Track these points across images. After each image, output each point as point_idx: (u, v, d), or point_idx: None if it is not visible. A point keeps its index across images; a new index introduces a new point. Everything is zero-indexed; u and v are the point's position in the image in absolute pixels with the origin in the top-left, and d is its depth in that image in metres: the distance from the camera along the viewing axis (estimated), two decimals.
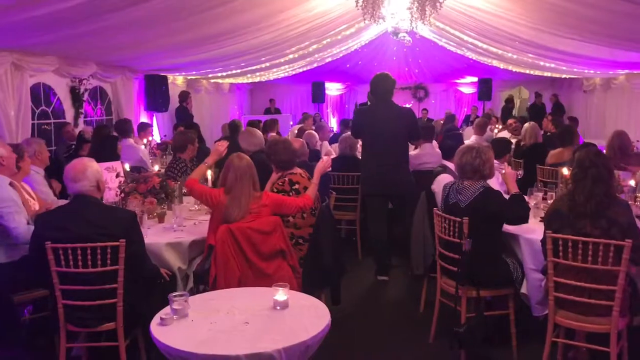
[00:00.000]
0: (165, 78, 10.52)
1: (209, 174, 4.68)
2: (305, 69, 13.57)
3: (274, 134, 9.00)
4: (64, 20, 4.99)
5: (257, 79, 14.21)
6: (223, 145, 4.47)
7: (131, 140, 7.46)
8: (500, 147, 5.14)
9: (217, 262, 3.50)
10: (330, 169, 4.49)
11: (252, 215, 3.69)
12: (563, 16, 6.44)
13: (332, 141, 9.00)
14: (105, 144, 6.33)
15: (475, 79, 16.62)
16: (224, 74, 11.81)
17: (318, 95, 17.14)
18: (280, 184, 4.33)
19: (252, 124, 8.91)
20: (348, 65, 15.03)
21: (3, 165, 4.02)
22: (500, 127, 10.87)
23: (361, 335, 4.33)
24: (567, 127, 6.72)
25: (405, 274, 5.58)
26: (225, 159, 3.99)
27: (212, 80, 13.26)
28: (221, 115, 13.88)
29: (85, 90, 8.23)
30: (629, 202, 3.85)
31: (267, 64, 11.12)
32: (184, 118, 10.53)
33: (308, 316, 2.64)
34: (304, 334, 2.44)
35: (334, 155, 7.16)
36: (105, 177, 3.75)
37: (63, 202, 4.55)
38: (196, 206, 4.76)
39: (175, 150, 5.76)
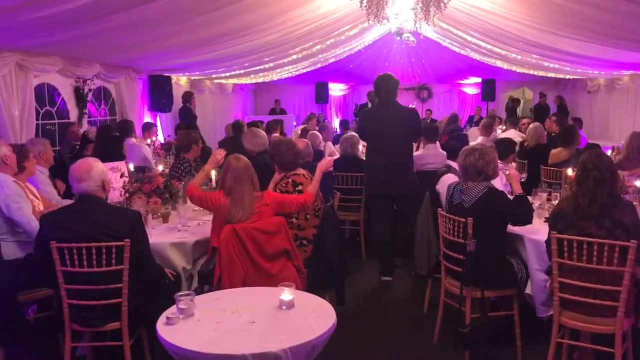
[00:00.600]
0: (169, 78, 10.54)
1: (213, 173, 4.68)
2: (308, 69, 13.58)
3: (277, 134, 9.01)
4: (68, 21, 5.00)
5: (260, 80, 14.22)
6: (221, 154, 4.45)
7: (133, 140, 7.47)
8: (504, 148, 5.12)
9: (221, 262, 3.50)
10: (332, 168, 4.49)
11: (256, 215, 3.69)
12: (567, 17, 6.43)
13: (333, 142, 9.00)
14: (110, 144, 6.33)
15: (479, 80, 16.61)
16: (228, 74, 11.83)
17: (322, 95, 17.14)
18: (283, 185, 4.33)
19: (253, 124, 8.92)
20: (352, 66, 15.04)
21: (6, 164, 4.04)
22: (504, 127, 10.85)
23: (365, 336, 4.33)
24: (568, 127, 6.70)
25: (409, 275, 5.58)
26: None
27: (216, 81, 13.28)
28: (225, 116, 13.90)
29: (90, 90, 8.25)
30: (634, 203, 3.84)
31: (271, 65, 11.13)
32: (187, 118, 10.55)
33: (314, 316, 2.64)
34: (310, 334, 2.44)
35: (337, 156, 7.17)
36: (110, 177, 3.75)
37: (68, 202, 4.56)
38: None
39: (180, 150, 5.77)
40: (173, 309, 2.67)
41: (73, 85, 8.00)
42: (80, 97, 8.11)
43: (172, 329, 2.53)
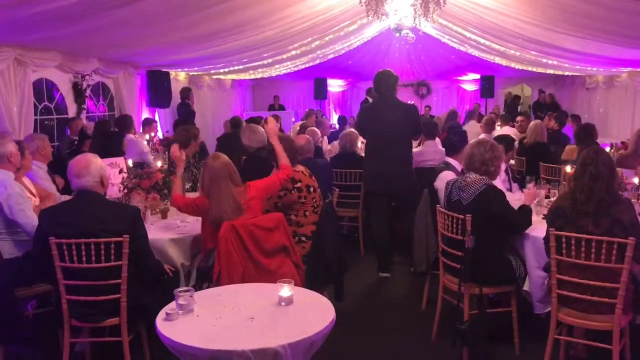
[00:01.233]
0: (167, 74, 10.52)
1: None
2: (307, 65, 13.56)
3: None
4: (67, 16, 4.99)
5: (259, 76, 14.20)
6: (176, 151, 4.41)
7: (131, 135, 7.46)
8: (503, 144, 5.12)
9: (220, 258, 3.50)
10: (277, 129, 4.48)
11: (247, 211, 3.71)
12: (566, 13, 6.43)
13: (332, 138, 9.01)
14: (110, 140, 6.32)
15: (477, 76, 16.61)
16: (227, 70, 11.81)
17: (320, 91, 17.13)
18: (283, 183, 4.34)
19: (253, 120, 8.90)
20: (350, 62, 15.02)
21: (10, 162, 4.02)
22: (499, 123, 10.85)
23: (363, 332, 4.34)
24: (585, 125, 6.65)
25: (408, 271, 5.59)
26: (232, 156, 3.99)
27: (215, 77, 13.26)
28: (223, 112, 13.88)
29: (88, 85, 8.22)
30: (632, 200, 3.85)
31: (270, 60, 11.11)
32: (185, 114, 10.53)
33: (313, 312, 2.65)
34: (308, 330, 2.44)
35: (333, 154, 7.17)
36: (108, 173, 3.75)
37: (66, 197, 4.56)
38: None
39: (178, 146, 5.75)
40: (172, 304, 2.68)
41: (71, 80, 7.97)
42: (78, 92, 8.08)
43: (171, 325, 2.53)
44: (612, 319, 3.21)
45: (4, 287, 3.59)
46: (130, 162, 5.74)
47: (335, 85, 17.97)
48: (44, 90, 7.53)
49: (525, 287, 3.87)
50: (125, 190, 4.58)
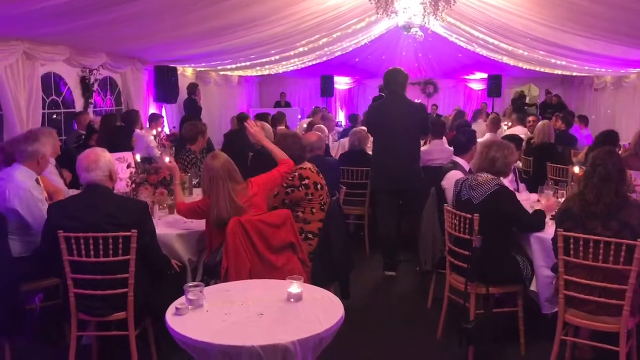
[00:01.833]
0: (174, 69, 10.53)
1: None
2: (314, 62, 13.55)
3: (282, 127, 9.00)
4: (76, 11, 5.00)
5: (266, 72, 14.20)
6: (165, 162, 4.40)
7: (137, 130, 7.47)
8: (514, 142, 5.13)
9: (228, 254, 3.51)
10: (258, 129, 4.51)
11: (250, 208, 3.71)
12: (576, 13, 6.41)
13: (341, 136, 9.00)
14: (118, 135, 6.33)
15: (484, 75, 16.56)
16: (233, 66, 11.82)
17: (327, 89, 17.10)
18: (290, 179, 4.33)
19: (260, 117, 8.90)
20: (357, 60, 15.00)
21: (39, 163, 4.00)
22: (509, 123, 10.83)
23: (369, 330, 4.34)
24: (606, 131, 6.58)
25: (413, 270, 5.58)
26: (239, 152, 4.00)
27: (222, 73, 13.27)
28: (230, 108, 13.89)
29: (95, 80, 8.25)
30: None
31: (277, 57, 11.11)
32: (192, 110, 10.54)
33: (322, 309, 2.65)
34: (318, 327, 2.45)
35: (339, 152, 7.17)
36: (116, 168, 3.75)
37: (74, 191, 4.58)
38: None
39: (186, 142, 5.77)
40: (182, 299, 2.68)
41: (79, 74, 8.00)
42: (86, 86, 8.11)
43: (181, 320, 2.54)
44: (619, 321, 3.20)
45: (12, 285, 3.61)
46: (138, 157, 5.75)
47: (342, 83, 17.94)
48: (51, 84, 7.55)
49: (532, 288, 3.87)
50: (133, 185, 4.59)
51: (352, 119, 11.03)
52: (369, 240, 6.28)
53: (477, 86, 17.50)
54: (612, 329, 3.25)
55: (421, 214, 4.83)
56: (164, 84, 10.33)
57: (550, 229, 3.75)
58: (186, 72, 11.50)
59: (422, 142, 6.67)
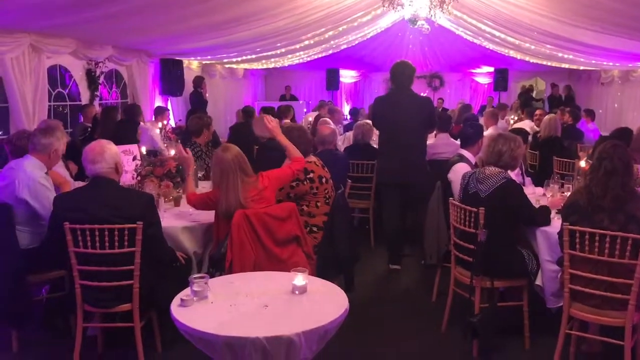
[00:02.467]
0: (180, 62, 10.54)
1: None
2: (320, 55, 13.52)
3: (288, 120, 8.99)
4: (82, 3, 5.00)
5: (271, 65, 14.19)
6: (182, 152, 4.38)
7: (142, 123, 7.48)
8: (521, 136, 5.11)
9: (233, 246, 3.51)
10: (275, 124, 4.43)
11: (259, 202, 3.71)
12: (584, 7, 6.36)
13: (345, 129, 8.98)
14: (124, 127, 6.34)
15: (491, 69, 16.49)
16: (239, 59, 11.81)
17: (332, 82, 17.07)
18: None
19: (266, 110, 8.90)
20: (363, 53, 14.95)
21: (50, 157, 4.00)
22: (516, 117, 10.80)
23: (373, 324, 4.34)
24: (620, 129, 6.53)
25: (418, 264, 5.57)
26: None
27: (227, 66, 13.26)
28: (235, 101, 13.89)
29: (101, 73, 8.27)
30: None
31: (283, 50, 11.10)
32: (198, 103, 10.55)
33: (326, 301, 2.66)
34: (322, 319, 2.45)
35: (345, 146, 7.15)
36: (122, 160, 3.76)
37: (80, 183, 4.59)
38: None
39: (191, 135, 5.78)
40: (187, 291, 2.69)
41: (85, 67, 8.02)
42: (92, 79, 8.13)
43: (186, 311, 2.54)
44: (624, 315, 3.19)
45: (18, 276, 3.63)
46: (143, 150, 5.76)
47: (347, 76, 17.90)
48: (57, 76, 7.57)
49: (538, 282, 3.86)
50: (139, 178, 4.60)
51: (354, 112, 11.02)
52: (374, 234, 6.28)
53: (483, 80, 17.43)
54: (617, 323, 3.24)
55: (426, 208, 4.82)
56: (170, 76, 10.34)
57: (556, 223, 3.73)
58: (192, 65, 11.50)
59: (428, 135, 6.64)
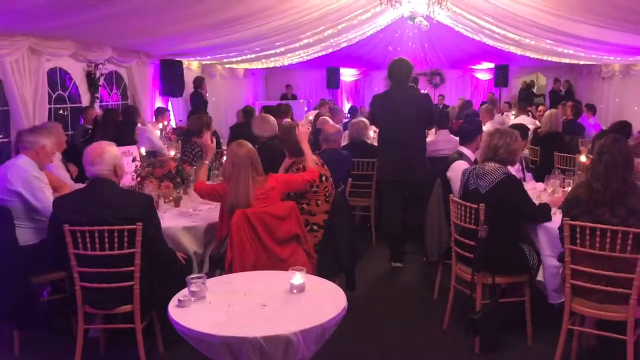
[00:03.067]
0: (180, 63, 10.53)
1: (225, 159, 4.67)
2: (320, 54, 13.50)
3: (288, 119, 8.98)
4: (82, 5, 5.01)
5: (271, 65, 14.18)
6: (208, 140, 4.40)
7: (138, 124, 7.48)
8: (521, 131, 5.09)
9: (232, 246, 3.51)
10: (308, 133, 4.44)
11: (264, 201, 3.70)
12: (583, 1, 6.34)
13: (344, 128, 8.97)
14: (121, 128, 6.35)
15: (491, 65, 16.44)
16: (239, 58, 11.80)
17: (333, 80, 17.05)
18: (294, 170, 4.33)
19: (267, 109, 8.90)
20: (363, 51, 14.93)
21: (38, 154, 4.01)
22: (515, 112, 10.78)
23: (375, 321, 4.34)
24: (620, 122, 6.51)
25: (420, 261, 5.57)
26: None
27: (227, 66, 13.26)
28: (236, 101, 13.88)
29: (101, 74, 8.27)
30: None
31: (282, 49, 11.08)
32: (198, 104, 10.55)
33: (324, 300, 2.65)
34: (320, 317, 2.44)
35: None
36: (122, 162, 3.76)
37: (80, 185, 4.60)
38: None
39: (191, 135, 5.78)
40: (185, 291, 2.69)
41: (85, 69, 8.02)
42: (92, 81, 8.13)
43: (183, 311, 2.54)
44: (626, 310, 3.18)
45: (19, 274, 3.64)
46: (143, 151, 5.76)
47: (347, 75, 17.89)
48: (57, 79, 7.58)
49: (539, 277, 3.84)
50: (138, 179, 4.60)
51: (352, 111, 11.00)
52: (375, 232, 6.27)
53: (484, 76, 17.39)
54: (619, 317, 3.23)
55: (427, 205, 4.81)
56: (170, 77, 10.34)
57: (557, 218, 3.72)
58: (192, 66, 11.50)
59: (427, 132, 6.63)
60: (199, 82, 10.99)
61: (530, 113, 10.20)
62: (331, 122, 7.68)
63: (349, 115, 12.26)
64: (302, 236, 3.81)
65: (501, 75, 16.02)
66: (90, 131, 7.21)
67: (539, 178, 5.30)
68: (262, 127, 5.55)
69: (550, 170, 4.97)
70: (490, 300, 3.77)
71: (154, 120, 9.03)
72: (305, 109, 14.14)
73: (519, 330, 3.91)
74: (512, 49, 12.44)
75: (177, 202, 4.50)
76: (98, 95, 8.33)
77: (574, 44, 9.69)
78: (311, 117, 9.08)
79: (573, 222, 3.25)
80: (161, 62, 10.18)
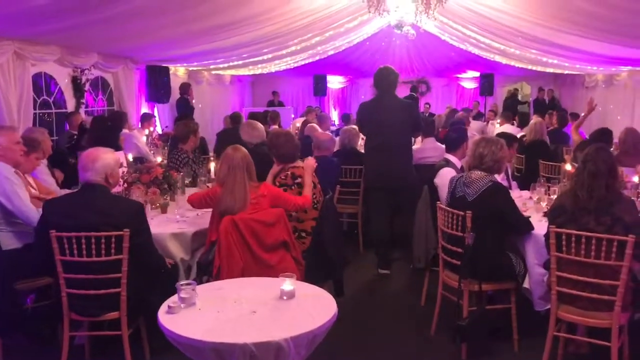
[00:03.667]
0: (166, 69, 10.50)
1: (212, 165, 4.67)
2: (307, 61, 13.53)
3: (276, 126, 9.00)
4: (67, 10, 4.98)
5: (258, 71, 14.18)
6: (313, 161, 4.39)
7: (125, 130, 7.45)
8: (507, 140, 5.14)
9: (220, 253, 3.51)
10: (315, 165, 4.47)
11: (253, 206, 3.70)
12: (567, 12, 6.43)
13: (334, 135, 9.00)
14: (105, 135, 6.30)
15: (477, 74, 16.60)
16: (226, 65, 11.79)
17: (320, 88, 17.09)
18: (282, 177, 4.34)
19: (254, 116, 8.90)
20: (350, 59, 14.99)
21: (4, 156, 3.95)
22: (500, 120, 10.89)
23: (363, 328, 4.34)
24: (600, 129, 6.59)
25: (407, 268, 5.60)
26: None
27: (214, 72, 13.24)
28: (222, 107, 13.86)
29: (87, 80, 8.21)
30: (633, 199, 3.86)
31: (270, 56, 11.09)
32: (184, 110, 10.51)
33: (314, 306, 2.65)
34: (311, 324, 2.44)
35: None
36: (117, 171, 3.72)
37: (66, 191, 4.56)
38: None
39: (178, 141, 5.76)
40: (174, 297, 2.68)
41: (70, 74, 7.96)
42: (77, 86, 8.07)
43: (173, 318, 2.53)
44: (611, 317, 3.21)
45: (3, 279, 3.59)
46: (130, 157, 5.73)
47: (335, 82, 17.93)
48: (42, 84, 7.51)
49: (526, 285, 3.88)
50: (125, 185, 4.57)
51: (345, 118, 11.05)
52: (362, 239, 6.29)
53: (469, 85, 17.54)
54: (604, 324, 3.26)
55: (414, 212, 4.84)
56: (156, 83, 10.30)
57: (542, 226, 3.76)
58: (178, 72, 11.47)
59: (413, 140, 6.68)
60: (185, 88, 10.95)
61: (514, 122, 10.29)
62: (319, 129, 7.72)
63: (335, 123, 12.31)
64: (290, 243, 3.81)
65: (486, 84, 16.18)
66: (75, 137, 7.17)
67: (524, 186, 5.36)
68: (250, 133, 5.56)
69: (536, 179, 5.03)
70: (477, 307, 3.79)
71: (139, 126, 8.98)
72: (292, 115, 14.14)
73: (506, 337, 3.93)
74: (498, 58, 12.57)
75: (164, 209, 4.48)
76: (84, 100, 8.27)
77: (558, 54, 9.82)
78: (298, 124, 9.10)
79: (559, 230, 3.28)
80: (147, 68, 10.14)
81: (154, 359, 3.68)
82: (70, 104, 8.03)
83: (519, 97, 16.74)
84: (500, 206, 3.80)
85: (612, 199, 3.28)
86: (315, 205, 4.33)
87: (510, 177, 5.39)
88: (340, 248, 4.39)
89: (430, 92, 17.71)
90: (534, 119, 7.61)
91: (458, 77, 17.54)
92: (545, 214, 3.89)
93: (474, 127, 8.89)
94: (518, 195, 4.82)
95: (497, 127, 9.84)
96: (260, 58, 11.17)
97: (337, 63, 15.29)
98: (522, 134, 8.00)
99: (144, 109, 10.20)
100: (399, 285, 5.35)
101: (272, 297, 2.74)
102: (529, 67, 12.85)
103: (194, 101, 11.27)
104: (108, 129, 6.63)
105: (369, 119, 5.58)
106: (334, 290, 4.18)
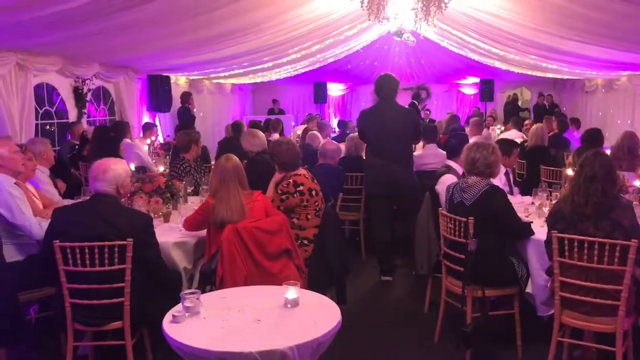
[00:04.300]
0: (168, 78, 10.54)
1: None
2: (307, 69, 13.58)
3: (277, 134, 9.02)
4: (68, 21, 5.00)
5: (259, 80, 14.23)
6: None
7: (127, 140, 7.47)
8: (507, 146, 5.16)
9: (223, 261, 3.51)
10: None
11: (250, 213, 3.71)
12: (566, 17, 6.46)
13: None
14: (105, 145, 6.33)
15: (477, 80, 16.63)
16: (227, 74, 11.83)
17: (320, 95, 17.13)
18: (285, 185, 4.34)
19: (254, 124, 8.93)
20: (349, 66, 15.04)
21: (1, 166, 3.95)
22: (501, 126, 10.91)
23: (366, 335, 4.34)
24: (592, 129, 6.62)
25: (410, 274, 5.59)
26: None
27: (215, 81, 13.28)
28: (223, 116, 13.90)
29: (89, 90, 8.25)
30: (635, 203, 3.86)
31: (270, 64, 11.14)
32: (186, 119, 10.55)
33: (319, 314, 2.66)
34: (315, 332, 2.45)
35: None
36: (127, 182, 3.73)
37: (68, 202, 4.57)
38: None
39: (179, 150, 5.77)
40: (179, 307, 2.68)
41: (72, 85, 8.00)
42: (79, 97, 8.11)
43: (178, 327, 2.53)
44: (615, 321, 3.21)
45: (7, 291, 3.58)
46: (132, 166, 5.74)
47: (335, 90, 17.98)
48: (44, 94, 7.55)
49: (528, 290, 3.88)
50: (128, 194, 4.57)
51: (341, 125, 11.06)
52: (365, 246, 6.29)
53: (469, 91, 17.57)
54: (608, 329, 3.26)
55: (416, 218, 4.84)
56: (157, 93, 10.34)
57: (544, 231, 3.76)
58: (179, 81, 11.51)
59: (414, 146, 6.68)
60: (186, 97, 11.00)
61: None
62: (320, 137, 7.73)
63: (335, 130, 12.31)
64: (293, 251, 3.81)
65: (486, 90, 16.21)
66: (77, 147, 7.19)
67: (526, 192, 5.36)
68: (251, 142, 5.57)
69: (537, 184, 5.03)
70: (481, 313, 3.79)
71: (141, 135, 9.00)
72: (293, 123, 14.17)
73: (510, 343, 3.92)
74: (497, 64, 12.61)
75: (166, 218, 4.48)
76: (85, 110, 8.30)
77: (558, 59, 9.85)
78: (299, 132, 9.12)
79: (561, 235, 3.28)
80: (149, 78, 10.18)
81: None
82: (72, 114, 8.06)
83: (519, 104, 16.76)
84: (496, 208, 3.80)
85: (611, 204, 3.27)
86: (318, 213, 4.33)
87: (512, 182, 5.40)
88: (343, 255, 4.39)
89: (430, 98, 17.74)
90: (535, 125, 7.61)
91: (458, 83, 17.57)
92: (546, 220, 3.88)
93: (482, 134, 8.84)
94: (520, 201, 4.83)
95: (497, 132, 9.83)
96: (260, 66, 11.22)
97: (337, 70, 15.35)
98: (524, 139, 8.01)
99: (146, 119, 10.23)
100: (402, 292, 5.35)
101: (276, 305, 2.75)
102: (529, 72, 12.88)
103: (195, 110, 11.30)
104: (111, 139, 6.65)
105: (370, 126, 5.59)
106: (336, 297, 4.18)
